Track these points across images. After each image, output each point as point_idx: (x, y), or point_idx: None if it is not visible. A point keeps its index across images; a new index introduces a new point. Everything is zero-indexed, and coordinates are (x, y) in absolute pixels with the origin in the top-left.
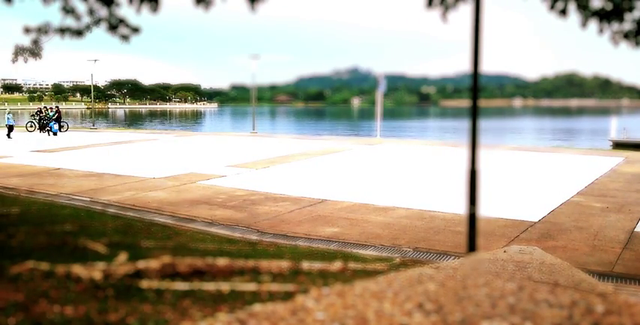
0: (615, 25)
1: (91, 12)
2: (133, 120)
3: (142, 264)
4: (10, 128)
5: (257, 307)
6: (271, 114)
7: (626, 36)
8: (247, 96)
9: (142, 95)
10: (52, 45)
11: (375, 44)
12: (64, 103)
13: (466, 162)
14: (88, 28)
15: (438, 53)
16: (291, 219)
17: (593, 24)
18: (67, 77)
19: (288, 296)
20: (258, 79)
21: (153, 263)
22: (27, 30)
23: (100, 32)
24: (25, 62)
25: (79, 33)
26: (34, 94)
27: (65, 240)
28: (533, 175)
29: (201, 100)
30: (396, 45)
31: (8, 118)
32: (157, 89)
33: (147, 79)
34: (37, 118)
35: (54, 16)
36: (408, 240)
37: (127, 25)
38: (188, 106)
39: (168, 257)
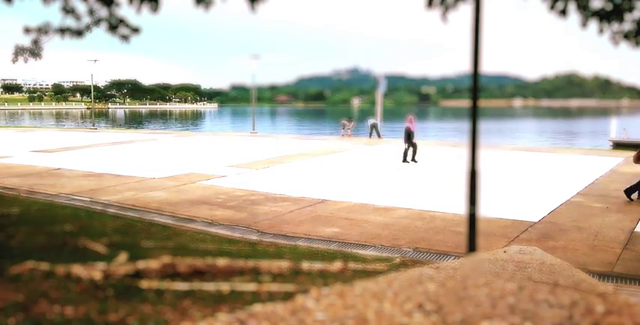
0: (615, 25)
1: (91, 12)
2: (133, 121)
3: (142, 264)
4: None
5: (257, 307)
6: (271, 114)
7: (626, 36)
8: (247, 97)
9: (142, 95)
10: (52, 45)
11: (375, 44)
12: (64, 103)
13: (466, 162)
14: (88, 28)
15: (438, 53)
16: (291, 219)
17: (593, 24)
18: (67, 77)
19: (288, 297)
20: (258, 79)
21: (153, 263)
22: (27, 30)
23: (100, 32)
24: (25, 62)
25: (79, 33)
26: (34, 94)
27: (65, 240)
28: (534, 175)
29: (201, 100)
30: (396, 45)
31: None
32: (157, 89)
33: (147, 79)
34: None
35: (54, 16)
36: (408, 240)
37: (127, 25)
38: (188, 106)
39: (168, 257)
